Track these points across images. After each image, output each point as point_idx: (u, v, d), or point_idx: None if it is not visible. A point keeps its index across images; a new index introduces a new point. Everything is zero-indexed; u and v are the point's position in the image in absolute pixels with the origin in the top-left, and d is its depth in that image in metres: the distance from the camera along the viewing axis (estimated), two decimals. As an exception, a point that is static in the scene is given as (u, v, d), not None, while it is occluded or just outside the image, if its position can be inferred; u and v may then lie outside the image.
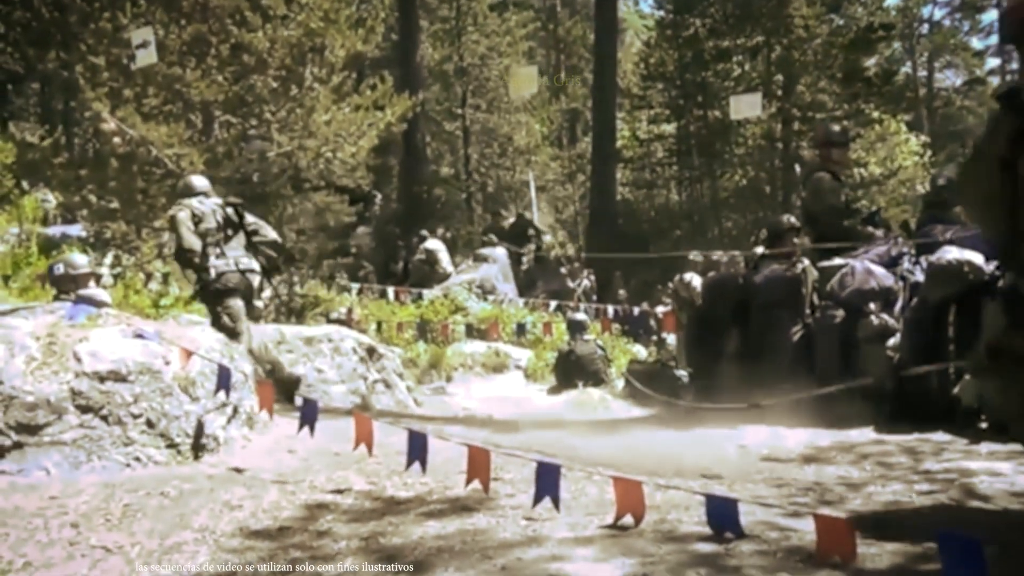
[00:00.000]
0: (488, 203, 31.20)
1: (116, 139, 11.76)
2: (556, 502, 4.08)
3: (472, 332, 13.75)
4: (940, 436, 6.20)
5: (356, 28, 13.65)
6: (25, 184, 16.14)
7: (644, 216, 29.19)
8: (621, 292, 19.77)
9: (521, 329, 13.85)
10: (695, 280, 14.06)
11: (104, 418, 5.24)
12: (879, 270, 7.49)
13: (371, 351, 9.13)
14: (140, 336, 5.75)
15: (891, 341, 7.19)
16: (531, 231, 22.40)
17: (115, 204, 12.52)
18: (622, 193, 28.56)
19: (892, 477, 5.09)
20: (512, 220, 24.08)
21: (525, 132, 31.05)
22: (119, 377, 5.39)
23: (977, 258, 6.89)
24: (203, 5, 12.04)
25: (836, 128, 9.85)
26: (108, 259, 14.34)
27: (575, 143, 35.54)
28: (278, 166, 12.62)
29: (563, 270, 20.45)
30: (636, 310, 16.26)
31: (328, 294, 15.11)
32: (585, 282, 19.40)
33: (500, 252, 19.12)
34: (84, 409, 5.23)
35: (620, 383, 11.36)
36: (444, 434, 5.06)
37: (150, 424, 5.35)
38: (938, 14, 46.57)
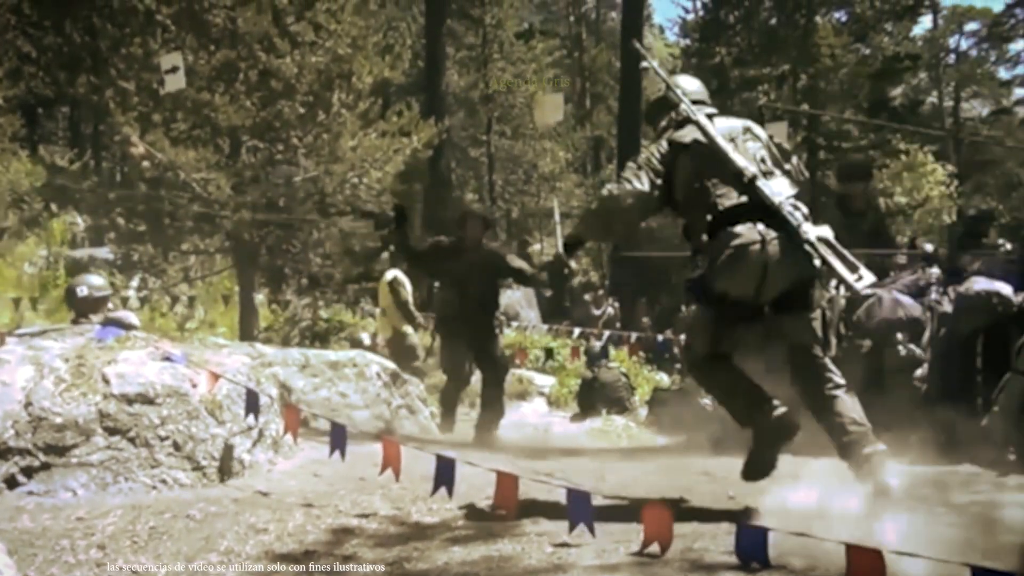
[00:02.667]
0: (512, 229, 31.25)
1: (145, 163, 11.87)
2: (591, 528, 4.07)
3: (501, 354, 13.74)
4: (968, 468, 6.14)
5: (383, 55, 13.76)
6: (54, 207, 16.31)
7: (668, 244, 29.12)
8: (645, 320, 19.71)
9: (549, 354, 13.83)
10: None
11: (131, 440, 5.27)
12: (907, 300, 7.44)
13: (395, 376, 9.11)
14: (168, 359, 5.78)
15: (918, 372, 7.14)
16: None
17: (143, 227, 12.62)
18: (646, 221, 28.49)
19: (919, 509, 5.04)
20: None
21: (550, 159, 31.12)
22: (147, 399, 5.41)
23: (1006, 289, 6.85)
24: (232, 31, 12.16)
25: (854, 162, 9.83)
26: (135, 282, 14.45)
27: (600, 170, 35.59)
28: (304, 191, 12.70)
29: (587, 297, 20.41)
30: (660, 337, 16.20)
31: (353, 319, 15.15)
32: (609, 309, 19.35)
33: (524, 279, 19.08)
34: (112, 431, 5.25)
35: (644, 411, 11.30)
36: (470, 460, 5.04)
37: (177, 447, 5.37)
38: (965, 44, 46.51)
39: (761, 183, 4.68)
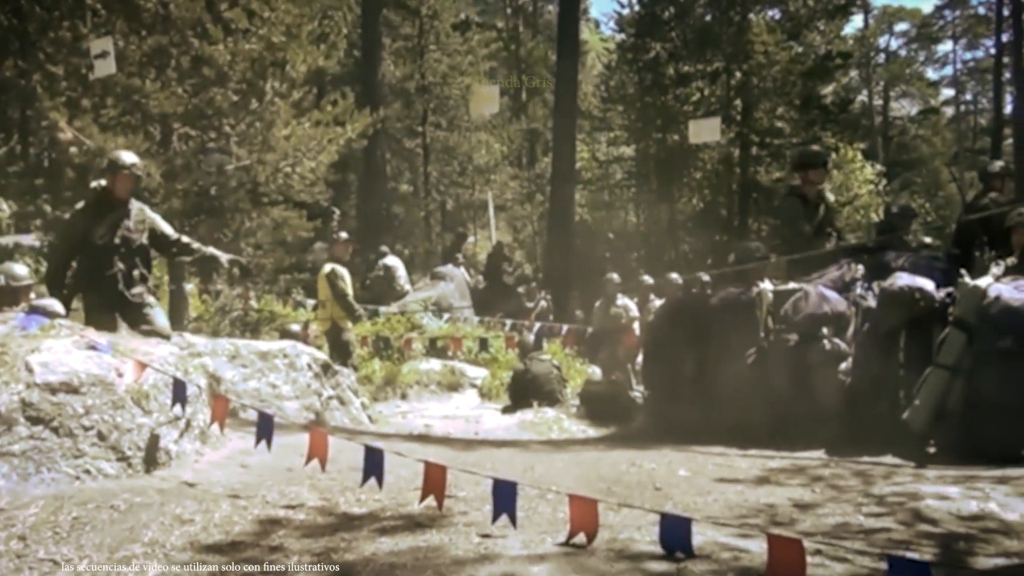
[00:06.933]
0: (447, 221, 31.22)
1: (73, 149, 11.64)
2: (513, 519, 4.09)
3: (434, 346, 13.75)
4: (890, 459, 6.26)
5: (318, 44, 13.68)
6: (-21, 193, 15.98)
7: (602, 237, 29.30)
8: (578, 312, 19.79)
9: (484, 344, 13.85)
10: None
11: (55, 430, 5.17)
12: (833, 295, 7.57)
13: (326, 367, 9.08)
14: (93, 348, 5.69)
15: (843, 365, 7.26)
16: (505, 264, 22.59)
17: (69, 215, 12.39)
18: (580, 214, 28.61)
19: (842, 500, 5.13)
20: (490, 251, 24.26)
21: (485, 151, 31.15)
22: (71, 389, 5.32)
23: (928, 284, 7.00)
24: (164, 17, 11.99)
25: (809, 150, 9.92)
26: (61, 270, 14.16)
27: (534, 163, 35.66)
28: (236, 180, 12.56)
29: (520, 290, 20.48)
30: (590, 330, 16.29)
31: (284, 309, 15.03)
32: (542, 302, 19.41)
33: (457, 271, 19.13)
34: (34, 420, 5.16)
35: (575, 403, 11.37)
36: (400, 451, 5.04)
37: (101, 437, 5.28)
38: (894, 44, 47.48)
39: None
